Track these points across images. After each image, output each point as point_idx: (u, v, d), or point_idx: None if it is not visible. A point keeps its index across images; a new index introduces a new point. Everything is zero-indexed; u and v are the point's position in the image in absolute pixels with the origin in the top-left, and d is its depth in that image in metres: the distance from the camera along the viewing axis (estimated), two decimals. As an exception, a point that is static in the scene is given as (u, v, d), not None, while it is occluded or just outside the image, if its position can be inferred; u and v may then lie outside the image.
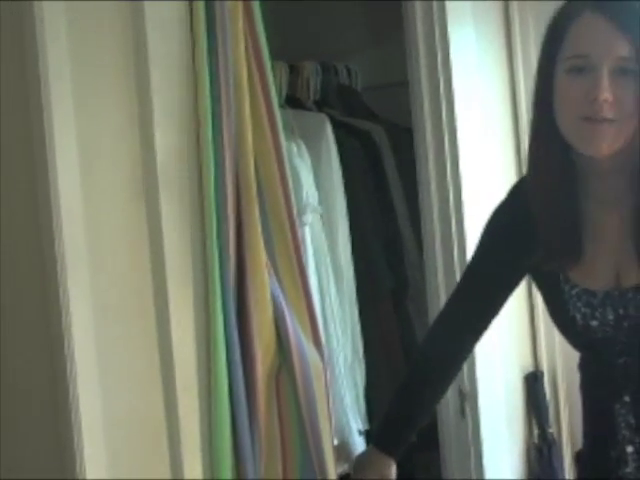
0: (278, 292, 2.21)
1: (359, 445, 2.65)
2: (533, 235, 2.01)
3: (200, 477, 2.07)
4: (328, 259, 2.62)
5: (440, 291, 2.85)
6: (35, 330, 1.92)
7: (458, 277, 2.80)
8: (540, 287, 2.13)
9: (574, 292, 2.00)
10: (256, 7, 2.20)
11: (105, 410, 1.90)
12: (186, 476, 2.04)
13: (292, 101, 2.89)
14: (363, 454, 2.41)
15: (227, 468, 2.11)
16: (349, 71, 3.36)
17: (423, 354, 2.30)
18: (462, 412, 2.80)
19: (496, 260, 2.13)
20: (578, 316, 2.00)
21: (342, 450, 2.59)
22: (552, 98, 1.92)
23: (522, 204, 2.03)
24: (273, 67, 2.24)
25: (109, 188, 1.95)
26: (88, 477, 1.85)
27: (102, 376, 1.90)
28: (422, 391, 2.27)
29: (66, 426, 1.86)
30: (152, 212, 2.01)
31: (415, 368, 2.32)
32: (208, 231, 2.10)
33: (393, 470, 2.32)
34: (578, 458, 2.21)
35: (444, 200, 2.85)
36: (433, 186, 2.87)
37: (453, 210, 2.85)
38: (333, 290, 2.63)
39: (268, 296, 2.18)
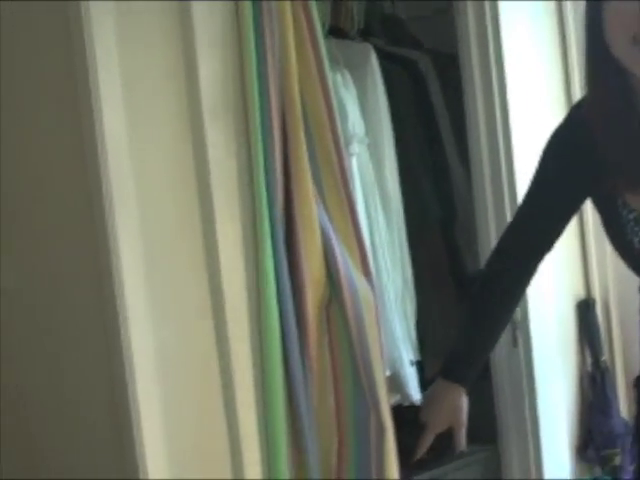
0: (326, 223, 2.19)
1: (411, 376, 2.65)
2: (592, 157, 1.99)
3: (253, 408, 2.08)
4: (375, 190, 2.60)
5: (490, 223, 2.82)
6: (84, 262, 1.93)
7: (508, 208, 2.77)
8: (599, 211, 2.11)
9: (631, 216, 1.99)
10: None
11: (156, 340, 1.91)
12: (239, 408, 2.05)
13: (336, 31, 2.85)
14: (433, 388, 2.39)
15: (279, 399, 2.11)
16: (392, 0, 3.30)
17: (487, 281, 2.30)
18: (514, 341, 2.78)
19: (558, 182, 2.12)
20: (635, 240, 1.98)
21: (394, 381, 2.59)
22: (602, 19, 1.88)
23: (580, 127, 2.01)
24: (316, -3, 2.20)
25: (154, 120, 1.94)
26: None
27: (153, 310, 1.92)
28: (487, 319, 2.27)
29: (118, 360, 1.88)
30: (198, 144, 1.99)
31: (479, 296, 2.31)
32: (255, 163, 2.09)
33: (465, 401, 2.33)
34: (637, 383, 2.19)
35: (492, 129, 2.81)
36: (481, 115, 2.82)
37: (502, 139, 2.81)
38: (381, 221, 2.61)
39: (316, 227, 2.16)
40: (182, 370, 1.98)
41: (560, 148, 2.12)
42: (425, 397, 2.43)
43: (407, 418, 2.45)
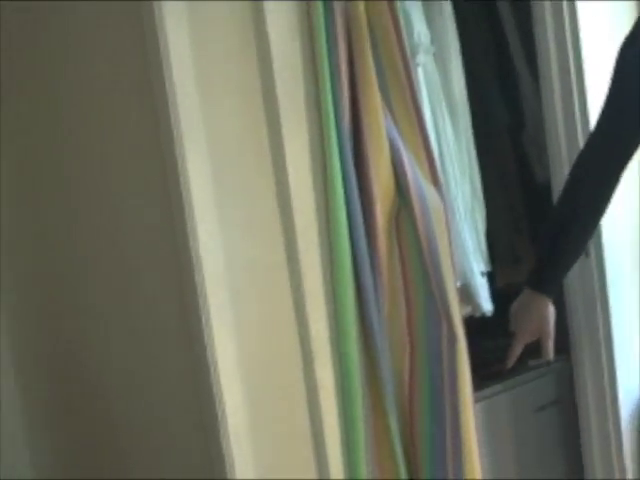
0: (394, 134, 2.17)
1: (481, 286, 2.63)
2: None
3: (324, 322, 2.08)
4: (442, 99, 2.56)
5: (560, 133, 2.76)
6: (152, 183, 1.95)
7: (578, 118, 2.71)
8: None
9: None
10: None
11: (226, 256, 1.92)
12: (310, 321, 2.05)
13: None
14: (520, 299, 2.42)
15: (350, 311, 2.11)
16: None
17: (572, 188, 2.29)
18: (586, 252, 2.74)
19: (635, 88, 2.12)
20: None
21: (464, 292, 2.57)
22: None
23: None
24: None
25: (218, 34, 1.93)
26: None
27: (223, 228, 1.93)
28: (574, 227, 2.27)
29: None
30: (263, 56, 1.98)
31: (565, 204, 2.30)
32: (321, 76, 2.07)
33: (551, 310, 2.33)
34: None
35: (561, 38, 2.74)
36: (549, 23, 2.75)
37: (571, 50, 2.73)
38: (449, 131, 2.57)
39: (384, 139, 2.15)
40: (252, 284, 1.99)
41: (632, 55, 2.09)
42: (513, 308, 2.44)
43: (478, 329, 2.45)
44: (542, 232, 2.41)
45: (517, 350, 2.42)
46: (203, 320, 1.90)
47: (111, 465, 2.22)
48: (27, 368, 2.35)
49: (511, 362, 2.45)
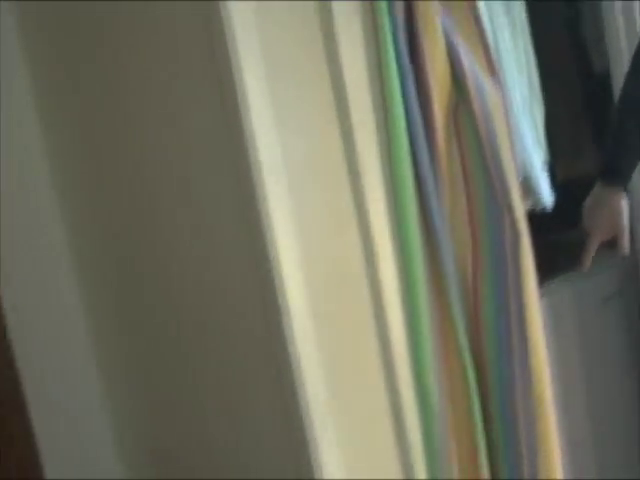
0: (449, 26, 2.13)
1: (542, 180, 2.60)
2: None
3: (384, 215, 2.06)
4: (497, -9, 2.51)
5: (618, 20, 2.70)
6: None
7: (637, 5, 2.64)
8: None
9: None
10: None
11: (283, 153, 1.90)
12: (371, 213, 2.03)
13: None
14: (593, 195, 2.40)
15: (411, 206, 2.09)
16: None
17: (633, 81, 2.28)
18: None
19: None
20: None
21: (525, 186, 2.54)
22: None
23: None
24: None
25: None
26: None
27: (279, 125, 1.89)
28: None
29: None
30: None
31: (627, 98, 2.29)
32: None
33: (625, 204, 2.34)
34: None
35: None
36: None
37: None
38: (504, 24, 2.53)
39: (439, 31, 2.11)
40: (310, 180, 1.97)
41: None
42: (586, 205, 2.42)
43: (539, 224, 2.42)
44: (612, 122, 2.37)
45: (592, 248, 2.40)
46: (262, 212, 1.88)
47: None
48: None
49: (587, 262, 2.42)
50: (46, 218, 2.26)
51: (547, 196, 2.61)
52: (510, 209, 2.20)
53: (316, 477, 1.91)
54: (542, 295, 2.39)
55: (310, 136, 1.95)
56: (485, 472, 2.21)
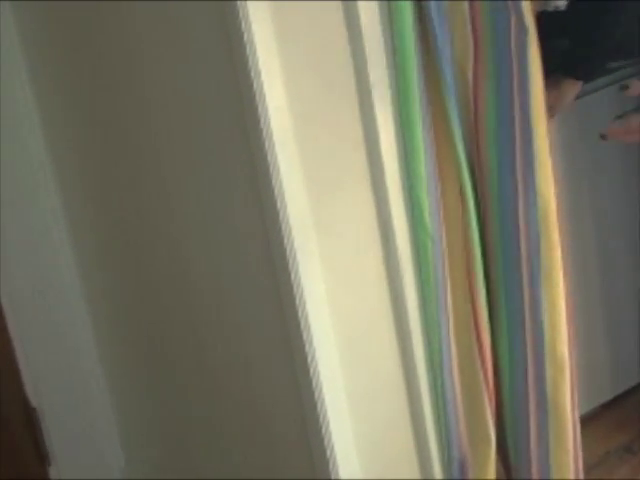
0: None
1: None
2: None
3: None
4: None
5: None
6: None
7: None
8: None
9: None
10: None
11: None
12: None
13: None
14: None
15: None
16: None
17: None
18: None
19: None
20: None
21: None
22: None
23: None
24: None
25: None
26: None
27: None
28: None
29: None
30: None
31: None
32: None
33: None
34: None
35: None
36: None
37: None
38: None
39: None
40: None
41: None
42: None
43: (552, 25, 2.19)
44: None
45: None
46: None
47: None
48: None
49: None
50: (47, 214, 2.36)
51: (560, -3, 2.36)
52: (516, 5, 1.99)
53: (333, 477, 1.94)
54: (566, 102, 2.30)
55: (331, 134, 1.92)
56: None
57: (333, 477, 1.94)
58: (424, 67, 1.99)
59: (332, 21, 1.88)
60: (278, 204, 1.85)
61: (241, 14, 1.75)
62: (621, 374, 2.77)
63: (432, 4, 1.93)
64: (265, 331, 2.03)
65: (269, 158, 1.83)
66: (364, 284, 2.01)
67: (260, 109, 1.81)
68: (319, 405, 1.92)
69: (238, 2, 1.73)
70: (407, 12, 1.93)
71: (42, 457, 2.44)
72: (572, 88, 2.28)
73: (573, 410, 2.18)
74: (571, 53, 2.26)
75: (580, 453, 2.22)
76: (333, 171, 1.94)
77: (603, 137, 2.36)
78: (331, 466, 1.95)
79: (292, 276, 1.87)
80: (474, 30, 2.01)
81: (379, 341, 2.04)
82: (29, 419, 2.39)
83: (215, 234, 2.06)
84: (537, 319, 2.11)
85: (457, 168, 2.04)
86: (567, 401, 2.15)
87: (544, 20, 2.07)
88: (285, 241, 1.86)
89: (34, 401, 2.39)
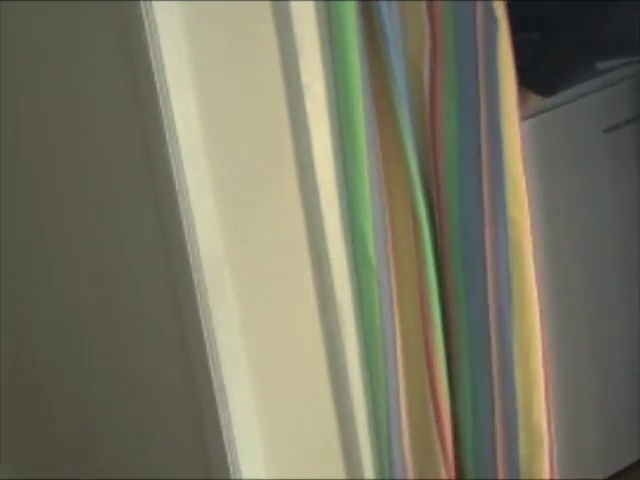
0: None
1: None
2: None
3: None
4: None
5: None
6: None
7: None
8: None
9: None
10: None
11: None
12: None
13: None
14: None
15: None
16: None
17: None
18: None
19: None
20: None
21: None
22: None
23: None
24: None
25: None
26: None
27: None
28: None
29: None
30: None
31: None
32: None
33: None
34: None
35: None
36: None
37: None
38: None
39: None
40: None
41: None
42: None
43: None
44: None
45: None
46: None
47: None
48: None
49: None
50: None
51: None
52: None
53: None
54: (527, 117, 2.04)
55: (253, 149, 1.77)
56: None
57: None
58: (370, 68, 1.79)
59: (255, 8, 1.71)
60: (186, 237, 1.68)
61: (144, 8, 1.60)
62: (616, 449, 2.47)
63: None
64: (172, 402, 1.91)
65: (174, 177, 1.66)
66: (293, 338, 1.85)
67: (165, 117, 1.64)
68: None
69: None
70: (349, 8, 1.74)
71: None
72: (531, 101, 2.06)
73: None
74: (534, 63, 2.05)
75: None
76: (254, 195, 1.77)
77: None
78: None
79: (204, 334, 1.71)
80: (432, 22, 1.81)
81: (311, 411, 1.89)
82: None
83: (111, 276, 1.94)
84: (508, 380, 1.90)
85: (409, 190, 1.83)
86: None
87: (513, 9, 1.86)
88: (195, 285, 1.70)
89: None
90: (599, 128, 2.20)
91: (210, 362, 1.73)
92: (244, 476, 1.79)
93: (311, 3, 1.74)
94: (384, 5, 1.74)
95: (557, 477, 1.96)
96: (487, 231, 1.85)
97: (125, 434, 2.11)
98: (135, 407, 2.03)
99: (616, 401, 2.43)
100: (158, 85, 1.62)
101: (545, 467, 1.95)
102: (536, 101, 2.05)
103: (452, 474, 1.94)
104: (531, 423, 1.92)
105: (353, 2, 1.74)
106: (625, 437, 2.46)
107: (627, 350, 2.40)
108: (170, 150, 1.64)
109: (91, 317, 2.06)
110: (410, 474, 1.94)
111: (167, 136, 1.63)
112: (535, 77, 2.03)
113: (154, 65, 1.62)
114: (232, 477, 1.79)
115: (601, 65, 2.18)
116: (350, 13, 1.72)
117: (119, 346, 2.02)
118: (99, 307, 2.02)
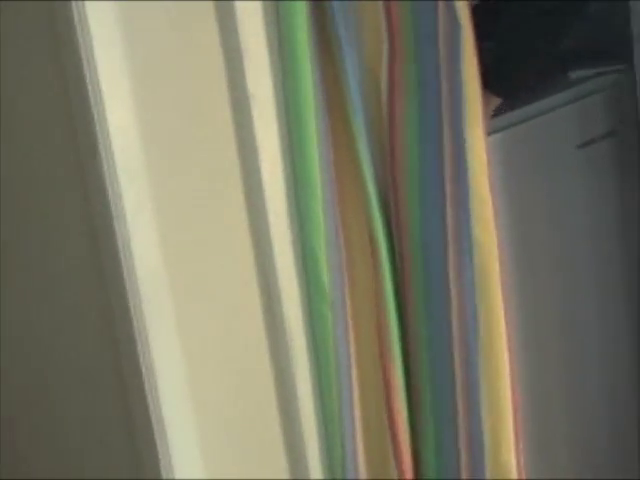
0: None
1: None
2: None
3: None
4: None
5: None
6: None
7: None
8: None
9: None
10: None
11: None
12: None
13: None
14: None
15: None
16: None
17: None
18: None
19: None
20: None
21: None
22: None
23: None
24: None
25: None
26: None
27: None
28: None
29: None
30: None
31: None
32: None
33: None
34: None
35: None
36: None
37: None
38: None
39: None
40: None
41: None
42: None
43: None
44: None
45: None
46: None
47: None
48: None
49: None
50: None
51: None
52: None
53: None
54: (495, 131, 1.94)
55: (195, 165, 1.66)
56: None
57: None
58: (323, 72, 1.69)
59: (197, 9, 1.61)
60: (122, 263, 1.57)
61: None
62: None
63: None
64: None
65: (110, 196, 1.54)
66: (237, 373, 1.73)
67: (99, 131, 1.54)
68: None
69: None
70: (299, 7, 1.65)
71: None
72: (490, 102, 1.97)
73: None
74: (495, 63, 1.95)
75: None
76: (197, 214, 1.65)
77: None
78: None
79: (142, 367, 1.59)
80: (390, 27, 1.72)
81: (258, 452, 1.77)
82: None
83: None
84: (474, 416, 1.78)
85: (365, 209, 1.72)
86: None
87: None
88: (131, 312, 1.58)
89: None
90: (572, 143, 2.09)
91: (141, 360, 1.62)
92: (177, 476, 1.68)
93: (258, 2, 1.62)
94: (337, 4, 1.65)
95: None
96: (451, 254, 1.72)
97: (52, 432, 2.00)
98: (63, 403, 1.91)
99: (589, 429, 2.31)
100: (91, 96, 1.51)
101: None
102: (495, 102, 1.96)
103: None
104: (499, 462, 1.79)
105: (304, 1, 1.62)
106: (600, 465, 2.34)
107: (602, 375, 2.29)
108: (105, 168, 1.53)
109: (20, 332, 1.93)
110: None
111: (102, 153, 1.53)
112: (492, 78, 1.91)
113: (87, 74, 1.50)
114: (164, 477, 1.68)
115: (574, 75, 2.10)
116: (301, 12, 1.63)
117: (52, 351, 1.88)
118: (29, 327, 1.88)
